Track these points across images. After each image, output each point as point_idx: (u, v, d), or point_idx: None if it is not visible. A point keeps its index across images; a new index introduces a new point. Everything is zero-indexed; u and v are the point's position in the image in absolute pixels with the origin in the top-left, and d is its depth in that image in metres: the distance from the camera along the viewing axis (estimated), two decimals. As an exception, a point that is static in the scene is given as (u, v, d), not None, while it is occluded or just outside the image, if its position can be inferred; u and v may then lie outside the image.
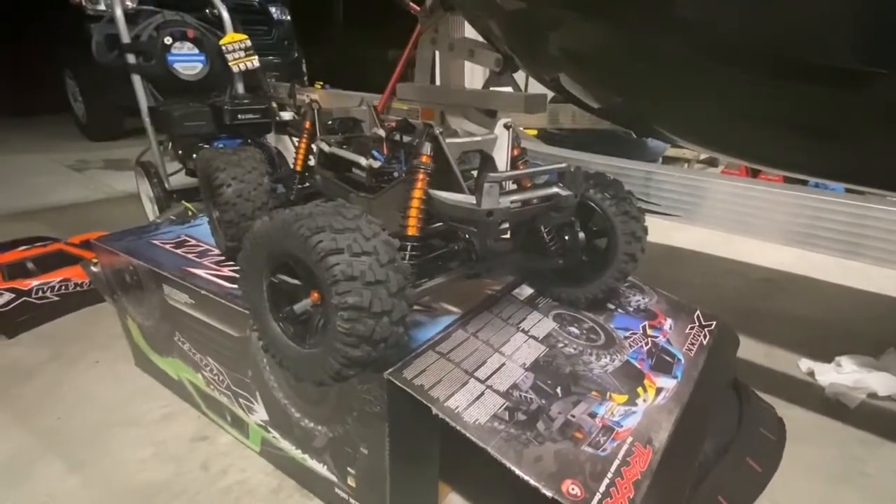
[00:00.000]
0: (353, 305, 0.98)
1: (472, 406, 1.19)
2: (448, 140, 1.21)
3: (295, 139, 1.81)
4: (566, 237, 1.44)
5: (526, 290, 1.61)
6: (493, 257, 1.34)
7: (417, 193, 1.20)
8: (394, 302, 1.02)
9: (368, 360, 1.04)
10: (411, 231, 1.20)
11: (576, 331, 1.50)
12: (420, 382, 1.21)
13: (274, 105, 2.50)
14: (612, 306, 1.64)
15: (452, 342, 1.34)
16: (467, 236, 1.33)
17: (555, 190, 1.24)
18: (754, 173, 3.32)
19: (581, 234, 1.45)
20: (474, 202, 1.14)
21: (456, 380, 1.24)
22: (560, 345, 1.43)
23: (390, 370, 1.20)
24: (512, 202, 1.17)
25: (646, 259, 1.47)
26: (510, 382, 1.27)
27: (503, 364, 1.32)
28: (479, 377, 1.27)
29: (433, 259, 1.32)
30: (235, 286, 1.43)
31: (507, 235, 1.34)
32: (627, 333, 1.54)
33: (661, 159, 4.21)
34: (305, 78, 4.15)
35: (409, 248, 1.20)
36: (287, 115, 2.38)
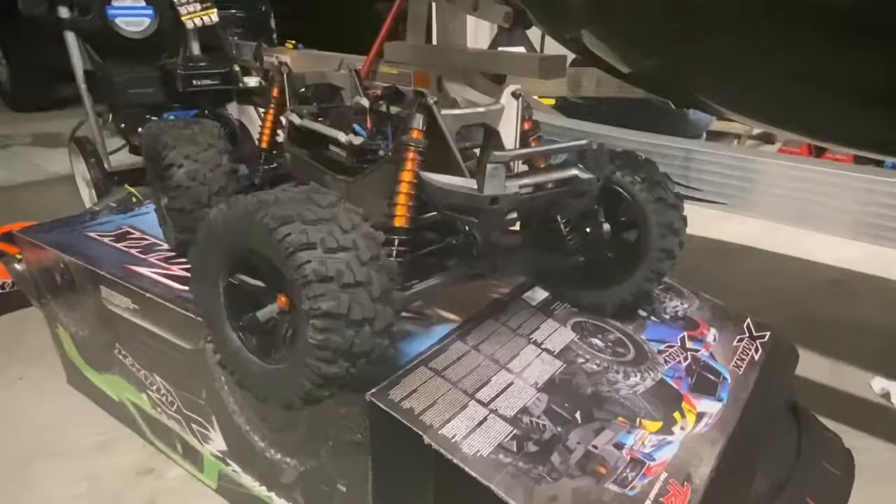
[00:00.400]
0: (328, 312, 0.99)
1: (472, 434, 1.19)
2: (445, 111, 1.21)
3: (261, 110, 1.83)
4: (588, 230, 1.44)
5: (539, 294, 1.61)
6: (499, 254, 1.34)
7: (407, 176, 1.20)
8: (377, 308, 1.02)
9: (347, 379, 1.05)
10: (399, 222, 1.21)
11: (599, 343, 1.50)
12: (409, 405, 1.21)
13: (236, 69, 2.50)
14: (643, 313, 1.64)
15: (449, 357, 1.34)
16: (467, 228, 1.34)
17: (574, 172, 1.24)
18: (818, 152, 3.29)
19: (606, 226, 1.45)
20: (475, 187, 1.14)
21: (453, 402, 1.24)
22: (580, 360, 1.43)
23: (373, 390, 1.20)
24: (521, 187, 1.17)
25: (685, 256, 1.47)
26: (519, 406, 1.27)
27: (511, 383, 1.32)
28: (482, 399, 1.26)
29: (426, 256, 1.33)
30: (187, 288, 1.42)
31: (517, 227, 1.34)
32: (662, 346, 1.54)
33: (704, 135, 4.20)
34: (274, 36, 4.13)
35: (396, 242, 1.20)
36: (252, 81, 2.36)
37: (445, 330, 1.41)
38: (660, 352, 1.52)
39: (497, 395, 1.28)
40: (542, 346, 1.44)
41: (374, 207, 1.24)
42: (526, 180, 1.19)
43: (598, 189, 1.29)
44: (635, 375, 1.43)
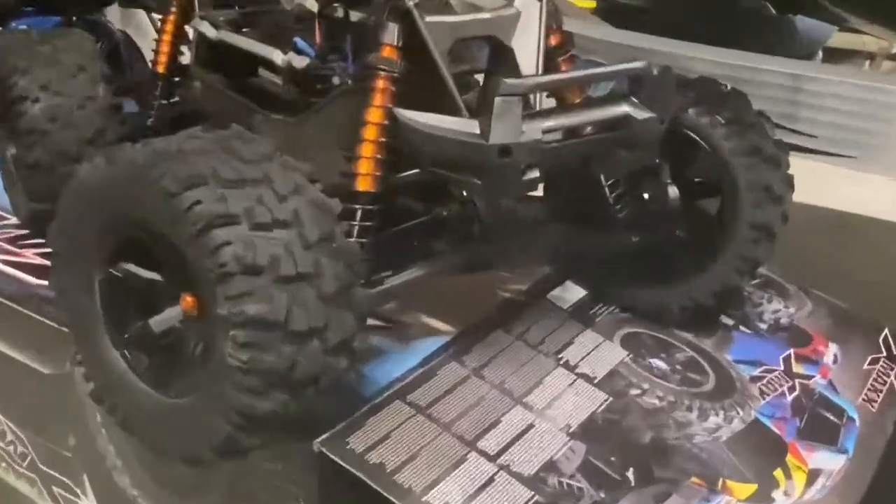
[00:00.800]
0: (257, 318, 0.99)
1: (473, 503, 1.20)
2: (431, 18, 1.22)
3: (156, 16, 1.86)
4: (645, 195, 1.47)
5: (572, 293, 1.64)
6: (513, 232, 1.38)
7: (376, 116, 1.22)
8: (330, 312, 1.04)
9: (284, 418, 1.06)
10: (364, 184, 1.23)
11: (663, 366, 1.52)
12: (378, 459, 1.22)
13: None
14: (729, 322, 1.65)
15: (438, 386, 1.37)
16: (465, 194, 1.38)
17: (625, 109, 1.25)
18: None
19: (673, 190, 1.46)
20: (477, 132, 1.15)
21: (444, 454, 1.25)
22: (634, 392, 1.45)
23: (324, 437, 1.22)
24: (546, 132, 1.18)
25: (792, 234, 1.48)
26: (543, 459, 1.29)
27: (530, 426, 1.34)
28: (487, 450, 1.28)
29: (403, 235, 1.37)
30: (45, 283, 1.40)
31: (539, 191, 1.34)
32: (757, 371, 1.55)
33: (820, 54, 4.19)
34: None
35: (359, 214, 1.23)
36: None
37: (433, 345, 1.44)
38: (752, 379, 1.53)
39: (510, 444, 1.29)
40: (578, 371, 1.46)
41: (327, 162, 1.25)
42: (552, 122, 1.21)
43: (661, 135, 1.30)
44: (716, 414, 1.43)
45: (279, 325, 1.00)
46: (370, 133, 1.22)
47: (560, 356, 1.48)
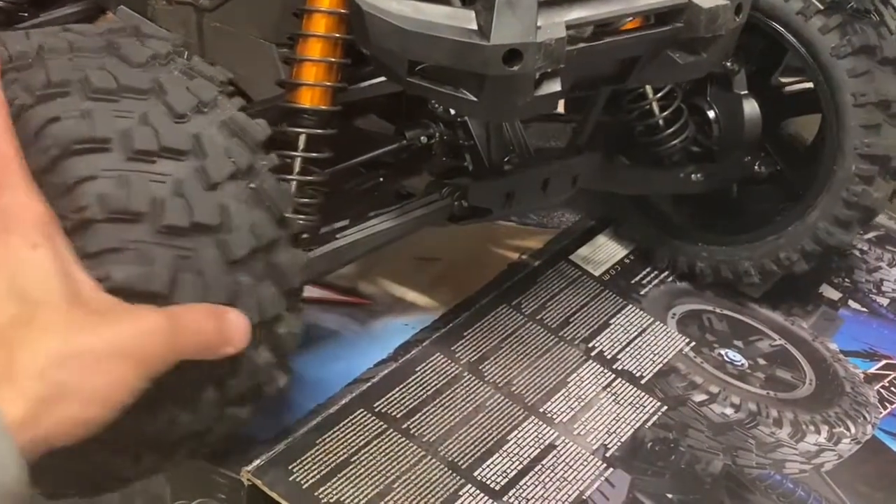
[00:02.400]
0: (126, 288, 0.93)
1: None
2: None
3: None
4: (711, 115, 1.49)
5: (606, 251, 1.64)
6: (521, 166, 1.36)
7: (324, 1, 1.19)
8: (240, 283, 0.99)
9: (186, 439, 1.04)
10: (309, 98, 1.21)
11: (739, 360, 1.48)
12: (334, 496, 1.19)
13: None
14: (833, 294, 1.63)
15: (419, 388, 1.34)
16: (456, 115, 1.36)
17: None
18: None
19: (751, 107, 1.47)
20: (474, 26, 1.08)
21: (427, 488, 1.23)
22: (698, 397, 1.42)
23: (257, 463, 1.19)
24: (572, 27, 1.11)
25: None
26: (569, 497, 1.24)
27: (550, 447, 1.30)
28: (489, 482, 1.24)
29: (366, 171, 1.36)
30: None
31: (560, 108, 1.38)
32: (875, 366, 1.52)
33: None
34: None
35: (302, 141, 1.21)
36: None
37: (409, 330, 1.42)
38: (868, 378, 1.49)
39: (521, 475, 1.26)
40: (616, 367, 1.42)
41: (253, 66, 1.29)
42: (581, 11, 1.14)
43: (738, 30, 1.24)
44: (817, 431, 1.39)
45: (160, 299, 0.94)
46: (318, 24, 1.18)
47: (591, 345, 1.43)
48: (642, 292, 1.54)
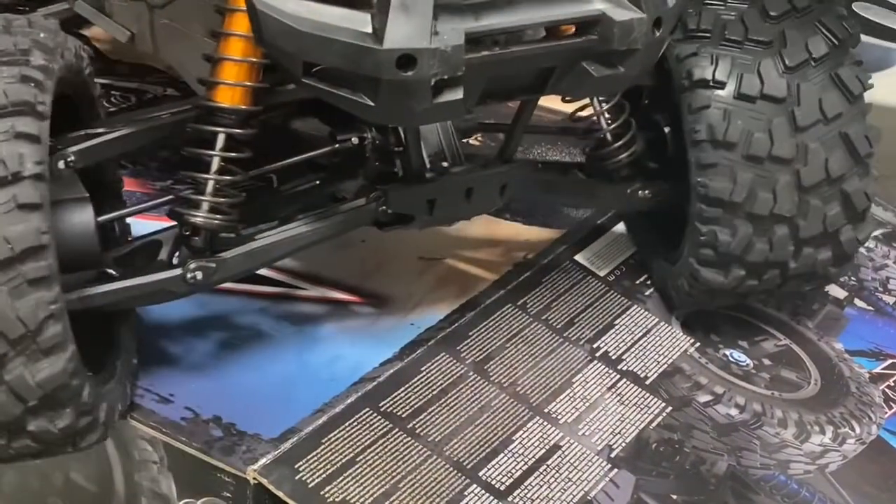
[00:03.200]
0: None
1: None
2: None
3: None
4: (668, 132, 1.51)
5: (612, 251, 1.65)
6: (446, 177, 1.37)
7: None
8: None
9: None
10: (227, 97, 1.23)
11: (744, 360, 1.49)
12: (340, 496, 1.19)
13: None
14: (838, 293, 1.64)
15: (424, 388, 1.34)
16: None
17: (596, 4, 1.18)
18: None
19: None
20: (368, 29, 1.10)
21: (432, 487, 1.23)
22: (702, 397, 1.42)
23: (264, 462, 1.20)
24: (473, 35, 1.12)
25: None
26: (574, 497, 1.25)
27: (555, 447, 1.30)
28: (493, 482, 1.24)
29: (294, 173, 1.38)
30: None
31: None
32: (880, 366, 1.53)
33: None
34: None
35: (220, 141, 1.22)
36: None
37: (414, 329, 1.42)
38: (874, 378, 1.50)
39: (526, 475, 1.26)
40: (621, 368, 1.43)
41: (200, 63, 1.29)
42: (485, 20, 1.15)
43: (661, 45, 1.26)
44: (822, 432, 1.40)
45: None
46: (239, 24, 1.20)
47: (595, 346, 1.44)
48: (647, 293, 1.54)
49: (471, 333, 1.40)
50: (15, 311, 1.04)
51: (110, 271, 1.22)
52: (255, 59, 1.21)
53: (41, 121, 1.08)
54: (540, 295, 1.49)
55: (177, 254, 1.22)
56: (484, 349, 1.38)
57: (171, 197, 1.24)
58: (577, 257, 1.58)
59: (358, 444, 1.22)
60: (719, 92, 1.41)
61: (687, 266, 1.45)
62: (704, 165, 1.39)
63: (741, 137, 1.40)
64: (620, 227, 1.67)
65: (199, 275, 1.19)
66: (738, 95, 1.41)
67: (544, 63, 1.21)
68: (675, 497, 1.26)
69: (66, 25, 1.87)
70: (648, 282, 1.59)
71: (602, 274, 1.56)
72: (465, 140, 1.52)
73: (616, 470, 1.27)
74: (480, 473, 1.23)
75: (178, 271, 1.18)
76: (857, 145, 1.43)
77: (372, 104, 1.13)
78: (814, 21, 1.44)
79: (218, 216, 1.18)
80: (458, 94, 1.15)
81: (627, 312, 1.50)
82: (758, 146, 1.40)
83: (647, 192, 1.49)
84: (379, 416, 1.26)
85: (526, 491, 1.22)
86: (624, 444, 1.30)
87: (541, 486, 1.23)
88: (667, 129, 1.48)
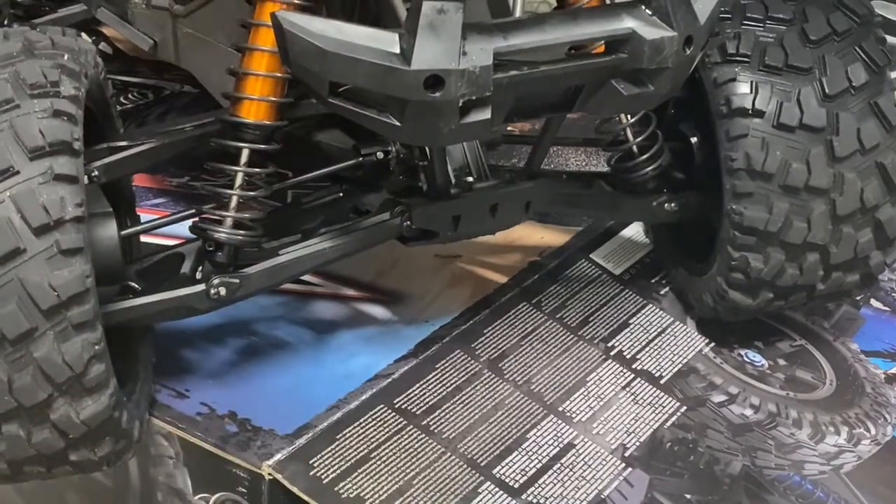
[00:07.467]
0: None
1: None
2: None
3: None
4: (695, 142, 1.51)
5: (627, 251, 1.66)
6: (471, 193, 1.37)
7: (266, 13, 1.20)
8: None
9: None
10: (251, 112, 1.23)
11: (759, 360, 1.49)
12: (354, 491, 1.20)
13: None
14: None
15: (438, 385, 1.35)
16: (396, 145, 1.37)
17: (627, 24, 1.18)
18: None
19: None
20: (396, 50, 1.10)
21: (446, 485, 1.23)
22: (717, 397, 1.43)
23: (278, 457, 1.21)
24: (501, 55, 1.13)
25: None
26: (588, 496, 1.26)
27: (569, 445, 1.31)
28: (507, 478, 1.25)
29: (318, 188, 1.41)
30: None
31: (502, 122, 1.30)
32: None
33: None
34: None
35: (244, 156, 1.23)
36: None
37: (429, 327, 1.44)
38: (889, 378, 1.50)
39: (540, 473, 1.27)
40: (636, 367, 1.44)
41: (222, 73, 1.29)
42: (513, 39, 1.15)
43: (691, 63, 1.27)
44: (836, 432, 1.40)
45: None
46: (264, 39, 1.20)
47: (610, 344, 1.45)
48: (662, 292, 1.55)
49: (485, 331, 1.41)
50: (61, 356, 1.03)
51: (133, 284, 1.22)
52: (279, 74, 1.21)
53: (77, 158, 1.07)
54: (555, 293, 1.50)
55: (199, 268, 1.23)
56: (498, 347, 1.39)
57: (192, 211, 1.23)
58: (592, 256, 1.59)
59: (372, 440, 1.24)
60: (758, 121, 1.40)
61: (715, 285, 1.45)
62: (740, 194, 1.39)
63: (779, 168, 1.40)
64: (636, 226, 1.67)
65: (223, 290, 1.20)
66: (777, 125, 1.40)
67: (573, 82, 1.21)
68: (688, 496, 1.27)
69: (83, 24, 1.90)
70: (664, 281, 1.59)
71: (617, 273, 1.56)
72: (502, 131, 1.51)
73: (630, 469, 1.28)
74: (494, 471, 1.24)
75: (201, 287, 1.19)
76: (893, 174, 1.43)
77: (398, 124, 1.14)
78: (853, 46, 1.43)
79: (241, 231, 1.19)
80: (485, 115, 1.15)
81: (642, 311, 1.50)
82: (795, 177, 1.39)
83: (672, 204, 1.49)
84: (393, 413, 1.27)
85: (540, 489, 1.23)
86: (638, 444, 1.31)
87: (555, 485, 1.24)
88: (693, 140, 1.49)
